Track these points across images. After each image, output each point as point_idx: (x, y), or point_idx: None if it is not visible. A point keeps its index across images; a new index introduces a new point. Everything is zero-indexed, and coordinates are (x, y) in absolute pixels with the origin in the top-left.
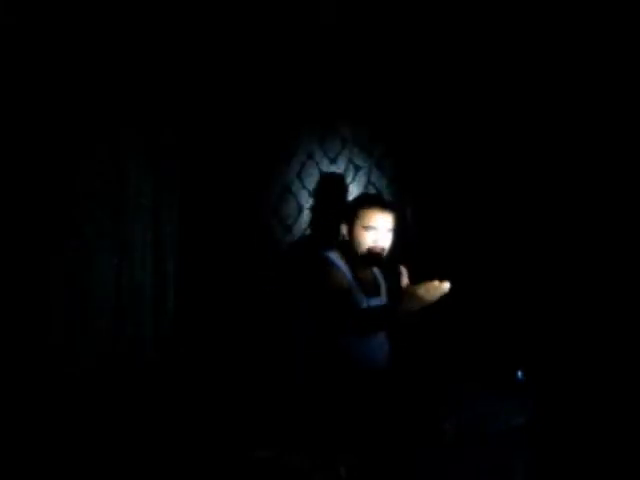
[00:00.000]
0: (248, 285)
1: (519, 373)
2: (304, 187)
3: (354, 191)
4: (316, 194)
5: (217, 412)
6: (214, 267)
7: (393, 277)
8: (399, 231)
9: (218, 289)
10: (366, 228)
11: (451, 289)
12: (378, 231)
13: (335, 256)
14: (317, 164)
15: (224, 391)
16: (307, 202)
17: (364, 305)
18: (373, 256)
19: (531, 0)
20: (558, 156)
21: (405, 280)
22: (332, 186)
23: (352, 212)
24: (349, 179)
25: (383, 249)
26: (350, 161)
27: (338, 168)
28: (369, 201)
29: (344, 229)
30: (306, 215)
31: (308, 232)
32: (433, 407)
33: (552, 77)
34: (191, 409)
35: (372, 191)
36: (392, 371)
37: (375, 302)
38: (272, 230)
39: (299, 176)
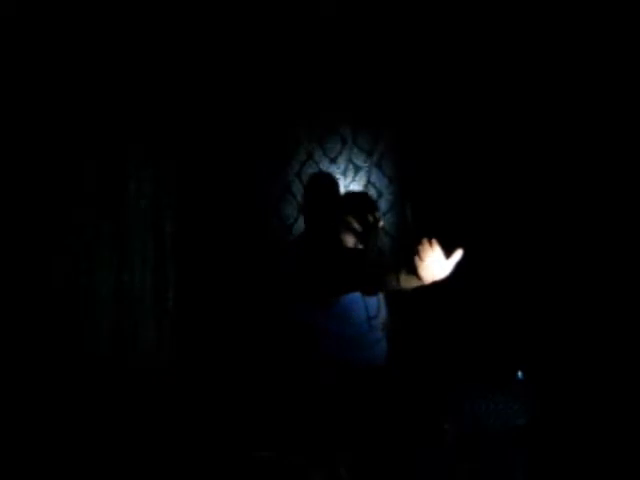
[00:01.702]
0: (248, 285)
1: (519, 373)
2: (304, 187)
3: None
4: (313, 193)
5: (218, 412)
6: (214, 267)
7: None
8: (399, 231)
9: (218, 289)
10: (351, 231)
11: (451, 289)
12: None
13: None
14: (317, 164)
15: (225, 391)
16: None
17: (360, 300)
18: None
19: (531, 0)
20: (558, 156)
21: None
22: (326, 185)
23: (340, 214)
24: (349, 179)
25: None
26: (350, 161)
27: (338, 168)
28: (357, 206)
29: (333, 228)
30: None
31: (305, 231)
32: (433, 407)
33: (552, 77)
34: (192, 409)
35: (372, 191)
36: (392, 371)
37: (371, 299)
38: (272, 230)
39: (299, 176)
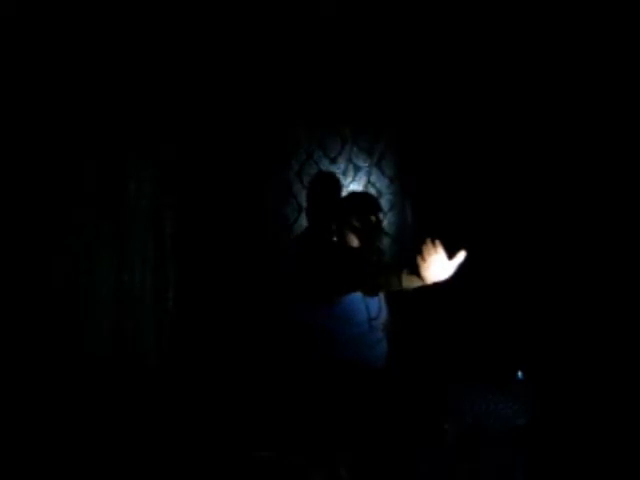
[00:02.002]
0: (248, 285)
1: (519, 373)
2: (304, 187)
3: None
4: (313, 193)
5: (218, 412)
6: (214, 267)
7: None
8: (399, 231)
9: (218, 289)
10: (356, 230)
11: (451, 289)
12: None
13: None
14: (317, 164)
15: (225, 391)
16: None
17: (361, 301)
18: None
19: (531, 0)
20: (558, 157)
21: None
22: (329, 185)
23: (343, 214)
24: (349, 179)
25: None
26: (350, 161)
27: (338, 168)
28: (360, 206)
29: (336, 228)
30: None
31: (306, 231)
32: (433, 407)
33: (552, 77)
34: (192, 409)
35: (372, 191)
36: (392, 371)
37: (373, 300)
38: (272, 230)
39: (299, 176)
